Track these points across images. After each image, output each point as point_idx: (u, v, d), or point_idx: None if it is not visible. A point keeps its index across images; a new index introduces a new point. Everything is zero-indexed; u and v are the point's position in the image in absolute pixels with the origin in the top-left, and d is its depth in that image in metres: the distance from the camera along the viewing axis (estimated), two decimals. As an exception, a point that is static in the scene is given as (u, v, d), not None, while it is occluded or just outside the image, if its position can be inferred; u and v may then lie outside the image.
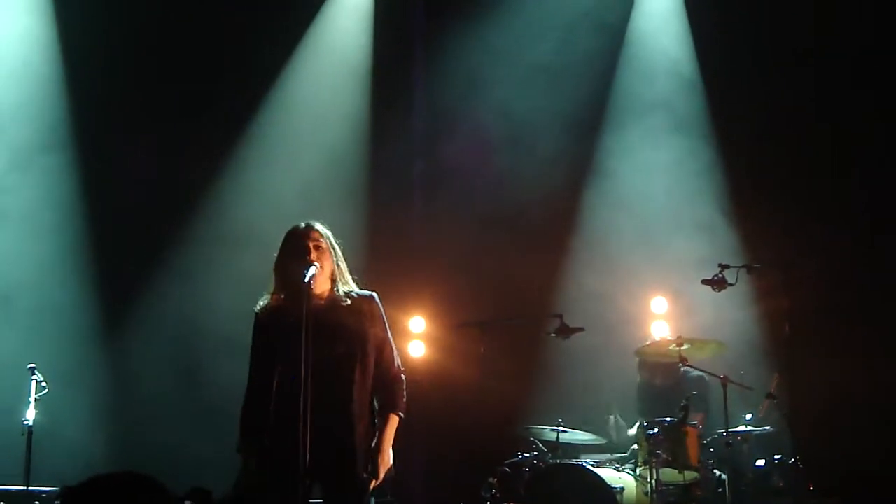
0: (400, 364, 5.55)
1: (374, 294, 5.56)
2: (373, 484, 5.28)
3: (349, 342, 5.37)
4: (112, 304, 9.56)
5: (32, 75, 9.54)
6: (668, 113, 9.91)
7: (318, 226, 5.51)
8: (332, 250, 5.47)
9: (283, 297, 5.43)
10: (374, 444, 5.36)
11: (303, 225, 5.50)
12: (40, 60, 9.57)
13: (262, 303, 5.50)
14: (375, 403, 5.44)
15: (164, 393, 9.30)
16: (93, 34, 9.58)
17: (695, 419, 8.11)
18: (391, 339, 5.55)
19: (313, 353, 5.04)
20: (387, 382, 5.45)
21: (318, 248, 5.41)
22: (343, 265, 5.51)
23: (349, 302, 5.42)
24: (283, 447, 5.17)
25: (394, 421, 5.42)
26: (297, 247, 5.40)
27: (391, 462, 5.33)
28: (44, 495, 7.58)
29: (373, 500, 5.48)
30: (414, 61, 10.57)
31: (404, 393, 5.49)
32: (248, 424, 5.38)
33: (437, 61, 10.36)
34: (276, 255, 5.52)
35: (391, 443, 5.37)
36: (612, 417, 8.81)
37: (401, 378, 5.51)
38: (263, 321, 5.44)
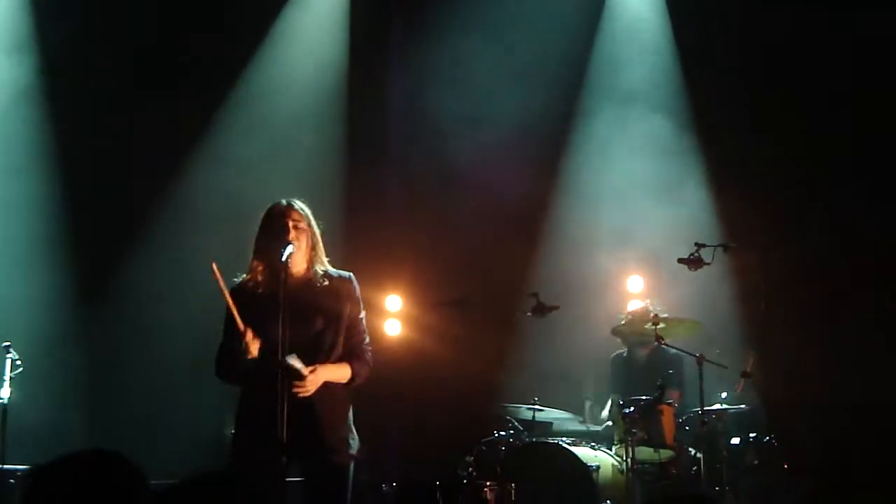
0: (368, 344, 5.59)
1: (352, 275, 5.60)
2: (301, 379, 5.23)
3: (325, 322, 5.41)
4: (87, 280, 9.49)
5: (3, 40, 9.42)
6: (647, 95, 9.90)
7: (298, 204, 5.52)
8: (311, 230, 5.47)
9: (259, 275, 5.43)
10: (350, 429, 5.44)
11: (283, 203, 5.51)
12: (12, 26, 9.45)
13: (237, 279, 5.51)
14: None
15: (141, 371, 9.27)
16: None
17: (671, 397, 8.14)
18: (363, 321, 5.59)
19: (289, 331, 5.07)
20: (354, 353, 5.49)
21: (297, 227, 5.42)
22: (320, 245, 5.51)
23: (326, 282, 5.45)
24: (260, 425, 5.19)
25: (345, 368, 5.43)
26: (277, 225, 5.41)
27: (314, 382, 5.25)
28: (18, 473, 7.54)
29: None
30: (391, 38, 10.52)
31: (364, 367, 5.52)
32: (222, 362, 5.48)
33: (414, 39, 10.31)
34: (254, 231, 5.53)
35: (327, 373, 5.34)
36: (588, 403, 8.86)
37: (368, 355, 5.56)
38: (240, 298, 5.44)
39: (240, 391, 5.49)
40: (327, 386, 5.35)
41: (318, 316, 5.39)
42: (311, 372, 5.23)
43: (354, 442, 5.50)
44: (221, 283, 5.28)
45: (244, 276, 5.51)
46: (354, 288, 5.56)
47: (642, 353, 8.81)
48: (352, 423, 5.54)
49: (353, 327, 5.52)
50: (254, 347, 5.20)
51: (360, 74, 10.31)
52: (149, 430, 8.87)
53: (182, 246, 9.32)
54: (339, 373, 5.42)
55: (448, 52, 9.91)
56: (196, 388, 8.28)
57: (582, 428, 8.74)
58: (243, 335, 5.20)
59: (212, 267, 5.22)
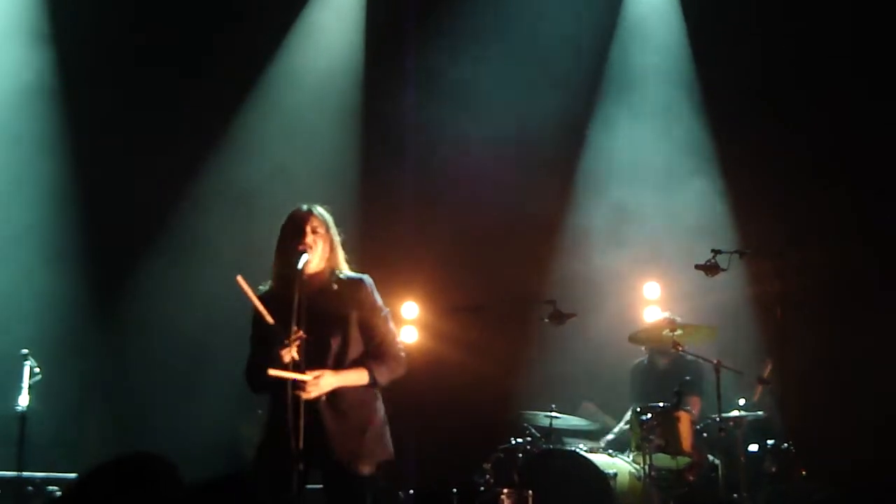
0: (393, 344, 5.52)
1: (365, 277, 5.55)
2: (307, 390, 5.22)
3: (334, 328, 5.39)
4: (103, 286, 9.52)
5: (19, 40, 9.42)
6: (665, 99, 9.90)
7: (318, 210, 5.52)
8: (329, 236, 5.48)
9: (279, 280, 5.45)
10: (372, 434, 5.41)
11: (304, 208, 5.52)
12: (28, 27, 9.46)
13: (262, 288, 5.52)
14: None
15: (157, 376, 9.29)
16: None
17: (690, 404, 8.13)
18: (384, 323, 5.52)
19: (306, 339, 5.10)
20: (375, 354, 5.44)
21: (315, 232, 5.42)
22: (339, 251, 5.52)
23: (336, 287, 5.43)
24: (280, 432, 5.20)
25: (361, 372, 5.37)
26: (295, 231, 5.42)
27: (316, 387, 5.21)
28: (37, 481, 7.57)
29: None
30: (407, 42, 10.55)
31: (390, 368, 5.46)
32: (256, 386, 5.47)
33: (431, 42, 10.32)
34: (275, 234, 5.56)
35: (337, 378, 5.29)
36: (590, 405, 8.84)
37: (394, 354, 5.50)
38: (265, 306, 5.46)
39: (269, 398, 5.49)
40: (341, 393, 5.32)
41: (326, 322, 5.37)
42: (316, 377, 5.21)
43: (381, 449, 5.42)
44: (251, 295, 5.26)
45: (267, 284, 5.53)
46: (367, 290, 5.49)
47: (663, 360, 8.78)
48: (383, 430, 5.46)
49: (370, 329, 5.44)
50: (287, 356, 5.21)
51: (377, 79, 10.32)
52: (164, 435, 8.88)
53: (198, 251, 9.36)
54: (353, 377, 5.35)
55: (464, 54, 9.92)
56: (211, 393, 8.29)
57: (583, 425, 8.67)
58: (281, 344, 5.19)
59: (237, 281, 5.21)
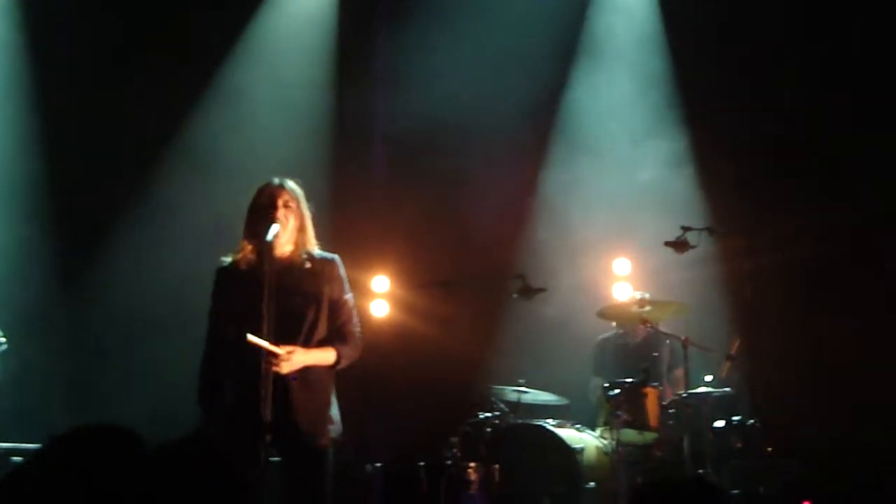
0: (358, 328, 5.59)
1: (336, 257, 5.59)
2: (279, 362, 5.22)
3: (305, 303, 5.41)
4: (71, 253, 9.44)
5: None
6: (636, 77, 9.89)
7: (289, 184, 5.52)
8: (300, 211, 5.47)
9: (247, 253, 5.43)
10: (334, 412, 5.47)
11: (275, 182, 5.51)
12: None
13: (226, 259, 5.50)
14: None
15: (124, 347, 9.24)
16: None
17: (676, 377, 8.23)
18: (351, 302, 5.60)
19: (272, 312, 5.08)
20: (340, 335, 5.49)
21: (286, 206, 5.41)
22: (310, 227, 5.51)
23: (309, 264, 5.45)
24: (242, 406, 5.19)
25: (329, 352, 5.42)
26: (266, 204, 5.41)
27: (288, 362, 5.23)
28: (1, 451, 7.52)
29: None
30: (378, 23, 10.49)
31: (351, 350, 5.52)
32: (208, 379, 5.43)
33: (403, 21, 10.27)
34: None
35: (308, 356, 5.33)
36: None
37: (355, 337, 5.56)
38: (225, 279, 5.45)
39: (224, 364, 5.46)
40: (308, 369, 5.35)
41: (298, 297, 5.39)
42: (289, 353, 5.22)
43: (335, 427, 5.50)
44: (265, 346, 5.19)
45: (232, 255, 5.51)
46: (338, 270, 5.55)
47: (635, 336, 8.81)
48: (335, 407, 5.54)
49: (338, 309, 5.50)
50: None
51: (349, 54, 10.26)
52: (131, 406, 8.82)
53: (167, 221, 9.30)
54: (322, 356, 5.41)
55: (436, 34, 9.87)
56: (179, 365, 8.24)
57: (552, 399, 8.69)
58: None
59: (247, 338, 5.13)
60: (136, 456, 2.79)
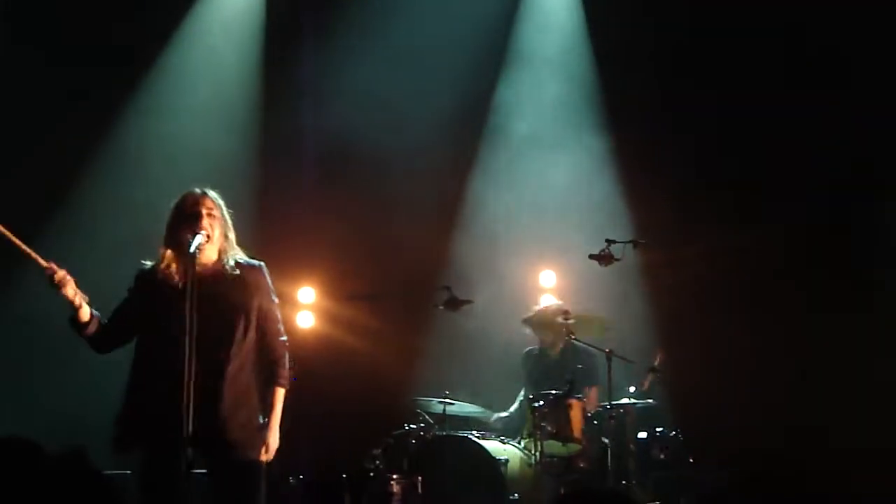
0: (284, 336, 5.58)
1: (262, 264, 5.55)
2: (263, 457, 5.32)
3: (234, 314, 5.34)
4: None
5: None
6: (561, 89, 9.96)
7: (211, 193, 5.46)
8: (223, 219, 5.42)
9: (168, 262, 5.36)
10: (262, 421, 5.40)
11: (197, 191, 5.44)
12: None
13: (147, 265, 5.43)
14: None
15: (41, 359, 9.08)
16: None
17: (588, 394, 8.24)
18: (277, 311, 5.55)
19: (197, 323, 4.97)
20: (272, 357, 5.48)
21: (210, 215, 5.35)
22: (232, 236, 5.46)
23: (236, 272, 5.39)
24: (155, 416, 5.10)
25: (280, 394, 5.47)
26: (188, 213, 5.33)
27: (276, 441, 5.42)
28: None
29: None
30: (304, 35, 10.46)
31: (287, 365, 5.54)
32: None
33: (329, 29, 10.24)
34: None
35: (279, 419, 5.43)
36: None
37: (284, 350, 5.54)
38: (143, 284, 5.37)
39: (130, 371, 5.38)
40: (236, 377, 5.28)
41: (227, 308, 5.32)
42: (268, 447, 5.39)
43: (261, 436, 5.42)
44: (9, 236, 5.21)
45: (152, 262, 5.43)
46: (265, 277, 5.51)
47: (556, 349, 8.84)
48: (262, 415, 5.48)
49: (267, 319, 5.47)
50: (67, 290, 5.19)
51: (274, 64, 10.20)
52: (52, 411, 8.66)
53: (81, 243, 9.14)
54: (279, 406, 5.48)
55: (361, 41, 9.86)
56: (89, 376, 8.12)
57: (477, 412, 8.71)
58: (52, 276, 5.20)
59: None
60: (35, 467, 2.75)
